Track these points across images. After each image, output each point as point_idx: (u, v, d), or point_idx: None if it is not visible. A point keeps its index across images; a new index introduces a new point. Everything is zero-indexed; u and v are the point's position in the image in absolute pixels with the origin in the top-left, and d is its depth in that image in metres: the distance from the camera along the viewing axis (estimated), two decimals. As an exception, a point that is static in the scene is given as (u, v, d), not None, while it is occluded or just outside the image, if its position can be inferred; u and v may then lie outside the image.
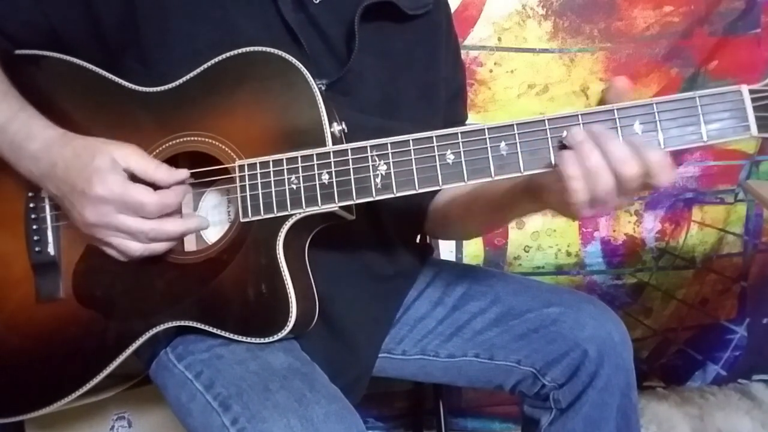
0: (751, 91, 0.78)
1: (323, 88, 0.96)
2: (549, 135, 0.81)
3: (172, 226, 0.93)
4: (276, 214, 0.90)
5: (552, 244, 2.01)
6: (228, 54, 0.94)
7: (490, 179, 0.83)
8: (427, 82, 1.13)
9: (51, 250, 1.00)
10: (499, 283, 1.18)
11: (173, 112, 0.96)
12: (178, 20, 0.98)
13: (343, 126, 0.94)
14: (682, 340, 2.14)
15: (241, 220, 0.92)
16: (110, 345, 0.96)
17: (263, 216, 0.91)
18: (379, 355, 1.16)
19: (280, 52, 0.92)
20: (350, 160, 0.87)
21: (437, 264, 1.28)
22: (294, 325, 0.90)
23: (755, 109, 0.77)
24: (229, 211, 1.00)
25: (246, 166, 0.91)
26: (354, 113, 1.00)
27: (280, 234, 0.90)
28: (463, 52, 1.69)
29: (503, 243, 1.99)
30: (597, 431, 1.07)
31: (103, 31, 0.99)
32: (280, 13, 0.99)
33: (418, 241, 1.31)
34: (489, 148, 0.83)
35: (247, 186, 0.91)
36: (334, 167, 0.88)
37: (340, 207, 0.89)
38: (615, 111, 0.80)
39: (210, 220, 1.00)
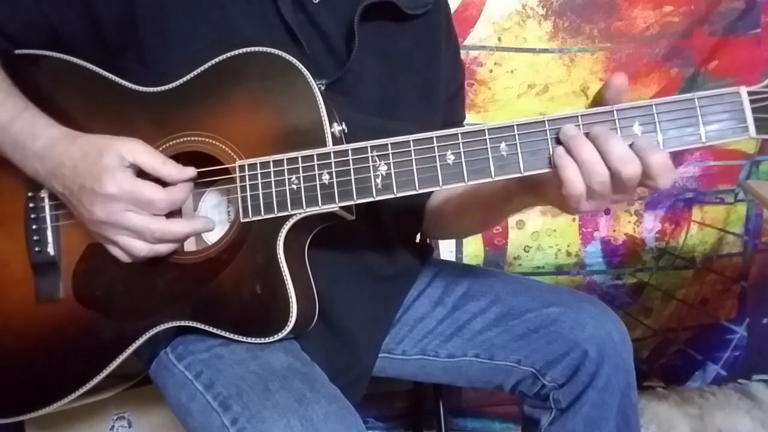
0: (750, 93, 0.78)
1: (323, 88, 0.96)
2: (549, 136, 0.81)
3: (179, 226, 0.93)
4: (276, 214, 0.90)
5: (552, 244, 2.01)
6: (228, 54, 0.94)
7: (490, 180, 0.83)
8: (427, 81, 1.13)
9: (51, 250, 1.00)
10: (499, 283, 1.18)
11: (173, 112, 0.96)
12: (177, 20, 0.97)
13: (344, 126, 0.94)
14: (682, 340, 2.14)
15: (242, 220, 0.92)
16: (110, 345, 0.96)
17: (264, 216, 0.91)
18: (379, 355, 1.16)
19: (280, 52, 0.92)
20: (351, 161, 0.87)
21: (437, 264, 1.28)
22: (294, 325, 0.90)
23: (754, 110, 0.78)
24: (228, 212, 1.00)
25: (246, 166, 0.91)
26: (354, 113, 1.00)
27: (280, 234, 0.90)
28: (463, 52, 1.70)
29: (503, 243, 1.99)
30: (597, 431, 1.07)
31: (102, 31, 0.99)
32: (279, 13, 0.98)
33: (418, 240, 1.31)
34: (489, 149, 0.83)
35: (248, 186, 0.91)
36: (335, 167, 0.88)
37: (341, 207, 0.89)
38: (615, 112, 0.80)
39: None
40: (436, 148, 0.84)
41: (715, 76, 1.94)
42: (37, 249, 1.00)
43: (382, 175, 0.86)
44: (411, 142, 0.85)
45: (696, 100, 0.79)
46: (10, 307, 1.01)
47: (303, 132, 0.91)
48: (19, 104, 0.96)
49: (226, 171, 0.94)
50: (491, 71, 1.91)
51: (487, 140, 0.83)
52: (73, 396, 0.97)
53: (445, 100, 1.17)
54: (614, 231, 2.03)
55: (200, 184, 0.98)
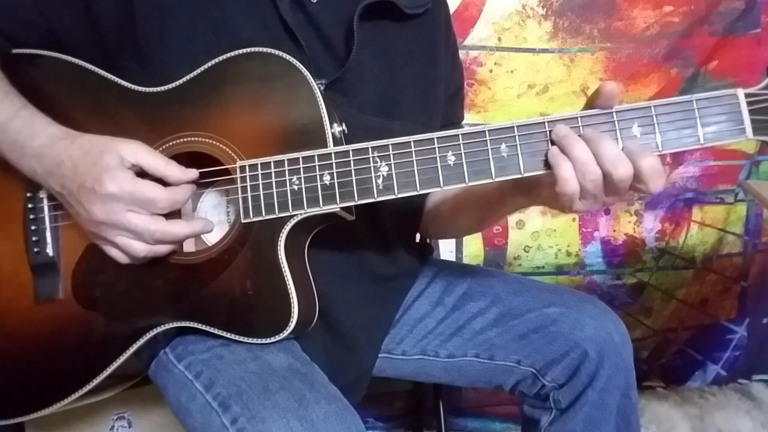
0: (747, 95, 0.79)
1: (322, 88, 0.96)
2: (548, 137, 0.82)
3: (178, 228, 0.93)
4: (277, 214, 0.90)
5: (552, 244, 2.01)
6: (228, 54, 0.94)
7: (490, 180, 0.84)
8: (427, 81, 1.13)
9: (50, 250, 0.99)
10: (499, 283, 1.18)
11: (173, 113, 0.96)
12: (176, 20, 0.97)
13: (344, 127, 0.94)
14: (682, 340, 2.14)
15: (243, 220, 0.92)
16: (110, 346, 0.96)
17: (264, 217, 0.91)
18: (379, 356, 1.16)
19: (280, 53, 0.92)
20: (352, 161, 0.87)
21: (437, 264, 1.28)
22: (295, 325, 0.90)
23: (751, 112, 0.79)
24: (228, 212, 1.00)
25: (247, 167, 0.91)
26: (353, 113, 1.00)
27: (281, 235, 0.90)
28: (463, 52, 1.70)
29: (503, 243, 1.99)
30: (597, 431, 1.07)
31: (101, 31, 0.99)
32: (278, 13, 0.98)
33: (417, 240, 1.31)
34: (490, 150, 0.83)
35: (248, 187, 0.91)
36: (336, 168, 0.88)
37: (341, 208, 0.89)
38: (614, 113, 0.81)
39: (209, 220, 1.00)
40: (437, 149, 0.85)
41: (715, 77, 1.94)
42: (36, 250, 1.00)
43: (383, 175, 0.86)
44: (412, 143, 0.86)
45: (694, 101, 0.79)
46: (10, 308, 1.01)
47: (303, 132, 0.91)
48: (17, 103, 0.96)
49: (226, 171, 0.93)
50: (491, 71, 1.91)
51: (488, 141, 0.83)
52: (74, 397, 0.97)
53: (445, 100, 1.17)
54: (614, 231, 2.03)
55: (200, 184, 0.98)
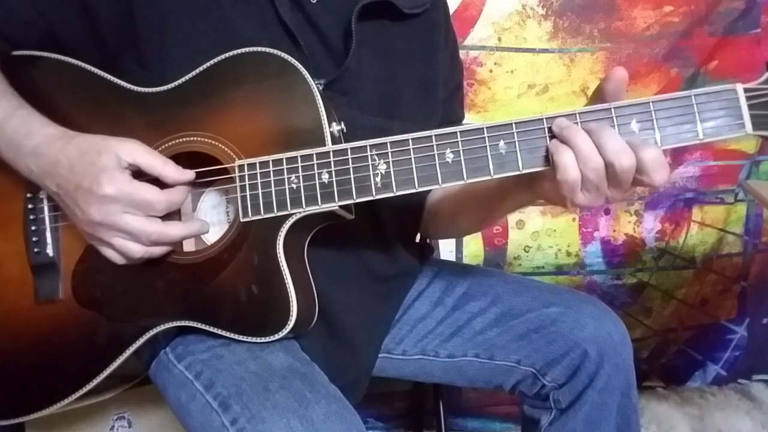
0: (746, 90, 0.78)
1: (321, 88, 0.97)
2: (547, 133, 0.82)
3: (175, 229, 0.93)
4: (276, 213, 0.90)
5: (552, 244, 2.01)
6: (227, 54, 0.94)
7: (489, 178, 0.83)
8: (426, 80, 1.13)
9: (50, 251, 0.99)
10: (499, 283, 1.18)
11: (172, 113, 0.96)
12: (175, 20, 0.97)
13: (342, 126, 0.94)
14: (682, 340, 2.14)
15: (241, 219, 0.92)
16: (110, 346, 0.96)
17: (263, 216, 0.91)
18: (379, 355, 1.16)
19: (278, 52, 0.92)
20: (350, 160, 0.87)
21: (437, 264, 1.28)
22: (294, 324, 0.90)
23: (750, 107, 0.78)
24: (228, 212, 1.00)
25: (246, 166, 0.91)
26: (353, 112, 1.00)
27: (280, 233, 0.90)
28: (463, 52, 1.70)
29: (503, 243, 1.99)
30: (597, 431, 1.07)
31: (100, 32, 0.99)
32: (277, 13, 0.98)
33: (418, 240, 1.31)
34: (488, 147, 0.83)
35: (247, 186, 0.91)
36: (334, 166, 0.88)
37: (340, 206, 0.89)
38: (612, 109, 0.80)
39: (209, 220, 1.00)
40: (435, 146, 0.84)
41: (715, 76, 1.94)
42: (36, 250, 1.00)
43: (381, 173, 0.86)
44: (410, 141, 0.85)
45: (693, 97, 0.79)
46: (10, 308, 1.01)
47: (302, 131, 0.91)
48: (13, 103, 0.96)
49: (226, 171, 0.93)
50: (491, 71, 1.91)
51: (486, 138, 0.83)
52: (73, 397, 0.97)
53: (444, 99, 1.17)
54: (614, 231, 2.03)
55: (199, 184, 0.98)
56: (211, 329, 0.93)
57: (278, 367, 0.91)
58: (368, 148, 0.87)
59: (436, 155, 0.84)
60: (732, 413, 1.97)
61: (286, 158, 0.89)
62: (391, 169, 0.86)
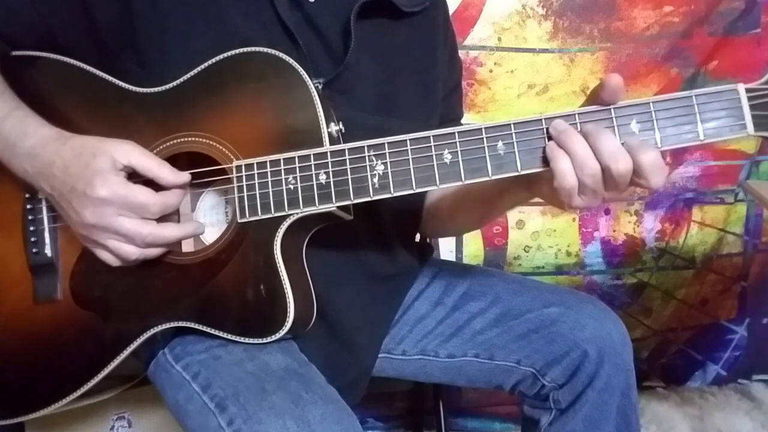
0: (748, 90, 0.78)
1: (320, 87, 0.97)
2: (546, 134, 0.81)
3: (170, 231, 0.93)
4: (273, 214, 0.90)
5: (552, 244, 2.01)
6: (225, 54, 0.94)
7: (487, 178, 0.83)
8: (425, 79, 1.12)
9: (48, 251, 0.99)
10: (499, 283, 1.17)
11: (170, 113, 0.96)
12: (174, 20, 0.97)
13: (341, 126, 0.93)
14: (682, 340, 2.14)
15: (239, 220, 0.92)
16: (108, 346, 0.96)
17: (260, 216, 0.91)
18: (379, 356, 1.16)
19: (277, 53, 0.92)
20: (347, 160, 0.87)
21: (437, 264, 1.28)
22: (292, 324, 0.90)
23: (752, 107, 0.77)
24: (226, 212, 1.00)
25: (243, 167, 0.91)
26: (352, 111, 1.00)
27: (277, 234, 0.90)
28: (463, 52, 1.70)
29: (503, 243, 1.99)
30: (597, 431, 1.07)
31: (99, 32, 0.99)
32: (276, 12, 0.98)
33: (417, 240, 1.31)
34: (486, 148, 0.83)
35: (245, 186, 0.91)
36: (332, 167, 0.88)
37: (338, 207, 0.89)
38: (612, 110, 0.80)
39: (207, 220, 1.00)
40: (433, 147, 0.84)
41: (715, 77, 1.94)
42: (34, 250, 1.00)
43: (379, 174, 0.86)
44: (408, 142, 0.85)
45: (694, 97, 0.78)
46: (8, 309, 1.01)
47: (300, 132, 0.91)
48: (10, 103, 0.96)
49: (224, 171, 0.93)
50: (491, 71, 1.91)
51: (484, 139, 0.83)
52: (72, 397, 0.97)
53: (443, 97, 1.16)
54: (614, 231, 2.03)
55: (198, 184, 0.98)
56: (209, 330, 0.93)
57: (275, 368, 0.91)
58: (366, 148, 0.87)
59: (434, 156, 0.84)
60: (732, 413, 1.97)
61: (284, 159, 0.89)
62: (389, 170, 0.86)
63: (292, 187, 0.89)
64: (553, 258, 2.02)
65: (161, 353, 1.00)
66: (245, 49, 0.93)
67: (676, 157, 1.96)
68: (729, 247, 2.06)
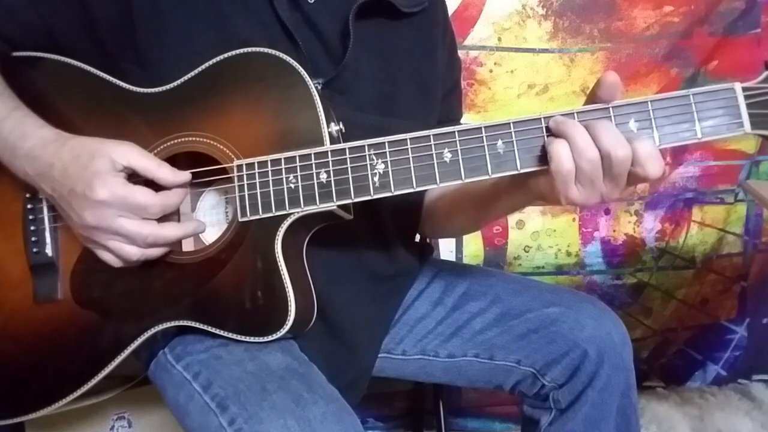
0: (745, 89, 0.78)
1: (320, 87, 0.97)
2: (545, 133, 0.82)
3: (171, 231, 0.93)
4: (274, 213, 0.90)
5: (552, 244, 2.01)
6: (225, 55, 0.94)
7: (487, 177, 0.83)
8: (424, 79, 1.12)
9: (49, 251, 0.99)
10: (499, 283, 1.18)
11: (171, 113, 0.96)
12: (174, 20, 0.97)
13: (341, 126, 0.94)
14: (682, 340, 2.14)
15: (240, 219, 0.92)
16: (108, 346, 0.96)
17: (261, 215, 0.91)
18: (379, 355, 1.16)
19: (276, 53, 0.92)
20: (348, 159, 0.87)
21: (437, 264, 1.28)
22: (292, 324, 0.90)
23: (748, 106, 0.78)
24: (227, 212, 1.00)
25: (244, 166, 0.91)
26: (351, 111, 1.00)
27: (278, 233, 0.90)
28: (463, 52, 1.70)
29: (503, 243, 1.99)
30: (597, 431, 1.07)
31: (99, 33, 0.99)
32: (275, 12, 0.98)
33: (417, 240, 1.31)
34: (486, 147, 0.83)
35: (246, 186, 0.91)
36: (332, 166, 0.88)
37: (338, 206, 0.89)
38: (610, 109, 0.80)
39: (208, 220, 1.00)
40: (433, 146, 0.84)
41: (715, 76, 1.94)
42: (35, 250, 1.00)
43: (379, 173, 0.86)
44: (408, 141, 0.85)
45: (691, 96, 0.79)
46: (9, 308, 1.01)
47: (300, 131, 0.91)
48: (9, 104, 0.96)
49: (224, 171, 0.93)
50: (491, 71, 1.91)
51: (484, 138, 0.83)
52: (72, 397, 0.97)
53: (442, 96, 1.16)
54: (614, 231, 2.02)
55: (199, 184, 0.98)
56: (210, 329, 0.93)
57: (276, 368, 0.91)
58: (366, 147, 0.87)
59: (434, 155, 0.84)
60: (732, 413, 1.97)
61: (285, 158, 0.89)
62: (389, 169, 0.86)
63: (292, 186, 0.89)
64: (553, 258, 2.02)
65: (162, 353, 1.00)
66: (245, 50, 0.93)
67: (676, 157, 1.96)
68: (729, 247, 2.06)
